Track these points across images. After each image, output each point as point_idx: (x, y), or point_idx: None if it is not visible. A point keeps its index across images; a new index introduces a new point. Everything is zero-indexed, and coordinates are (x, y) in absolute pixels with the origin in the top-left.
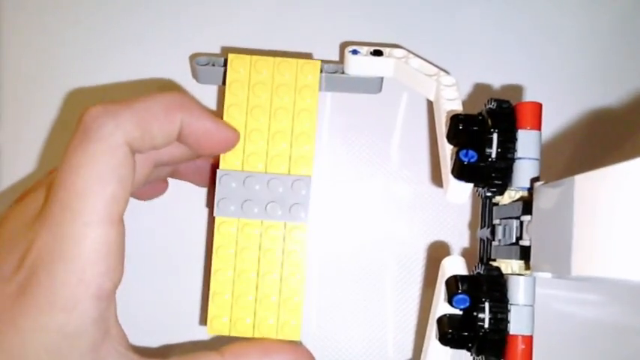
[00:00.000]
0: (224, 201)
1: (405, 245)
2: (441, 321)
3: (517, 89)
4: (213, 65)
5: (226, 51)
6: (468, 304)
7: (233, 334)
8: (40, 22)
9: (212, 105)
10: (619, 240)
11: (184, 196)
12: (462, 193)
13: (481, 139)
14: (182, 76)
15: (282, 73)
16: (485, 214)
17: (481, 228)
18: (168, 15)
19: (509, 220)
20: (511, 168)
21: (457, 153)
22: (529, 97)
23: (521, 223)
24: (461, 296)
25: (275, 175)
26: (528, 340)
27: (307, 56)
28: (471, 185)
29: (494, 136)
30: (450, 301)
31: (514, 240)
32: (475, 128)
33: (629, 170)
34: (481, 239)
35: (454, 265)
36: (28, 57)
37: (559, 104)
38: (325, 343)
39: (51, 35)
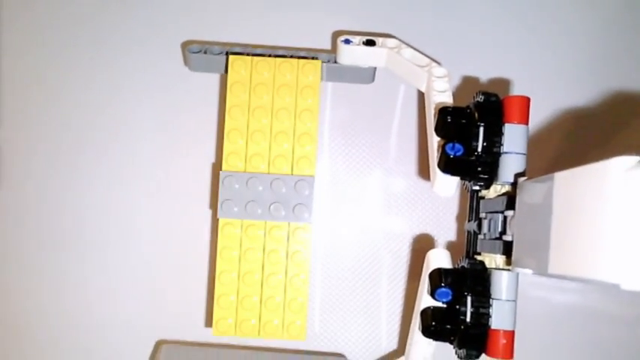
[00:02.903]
0: (227, 202)
1: (398, 240)
2: (424, 313)
3: (505, 83)
4: (206, 53)
5: (218, 44)
6: (450, 297)
7: (238, 335)
8: (40, 22)
9: (213, 99)
10: (588, 240)
11: (188, 197)
12: (448, 186)
13: (469, 132)
14: (179, 68)
15: (284, 74)
16: (472, 207)
17: (468, 221)
18: (162, 13)
19: (495, 215)
20: (497, 162)
21: (443, 146)
22: (517, 91)
23: (505, 217)
24: (443, 289)
25: (278, 176)
26: (510, 335)
27: (305, 50)
28: (457, 179)
29: (481, 130)
30: (432, 294)
31: (498, 234)
32: (463, 121)
33: (597, 171)
34: (468, 232)
35: (438, 258)
36: (28, 57)
37: (546, 99)
38: (327, 343)
39: (51, 35)
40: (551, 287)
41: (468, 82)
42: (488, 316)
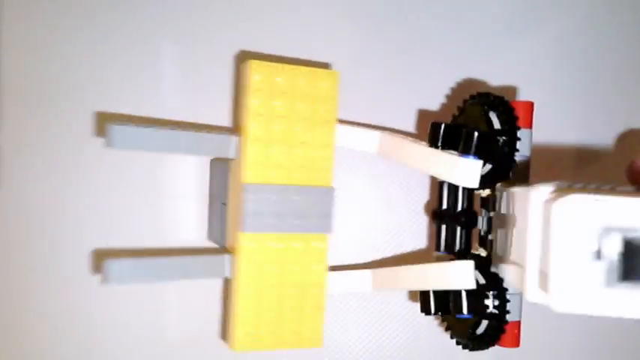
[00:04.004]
0: (251, 216)
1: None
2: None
3: (510, 89)
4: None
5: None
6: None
7: (258, 349)
8: (40, 22)
9: (225, 110)
10: (522, 260)
11: (189, 198)
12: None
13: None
14: (193, 77)
15: (302, 83)
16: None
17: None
18: (162, 12)
19: (484, 213)
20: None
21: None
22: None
23: (490, 218)
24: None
25: (301, 187)
26: (518, 325)
27: (321, 65)
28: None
29: (502, 139)
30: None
31: (484, 233)
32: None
33: (525, 196)
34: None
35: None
36: (28, 57)
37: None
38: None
39: (51, 35)
40: None
41: (465, 85)
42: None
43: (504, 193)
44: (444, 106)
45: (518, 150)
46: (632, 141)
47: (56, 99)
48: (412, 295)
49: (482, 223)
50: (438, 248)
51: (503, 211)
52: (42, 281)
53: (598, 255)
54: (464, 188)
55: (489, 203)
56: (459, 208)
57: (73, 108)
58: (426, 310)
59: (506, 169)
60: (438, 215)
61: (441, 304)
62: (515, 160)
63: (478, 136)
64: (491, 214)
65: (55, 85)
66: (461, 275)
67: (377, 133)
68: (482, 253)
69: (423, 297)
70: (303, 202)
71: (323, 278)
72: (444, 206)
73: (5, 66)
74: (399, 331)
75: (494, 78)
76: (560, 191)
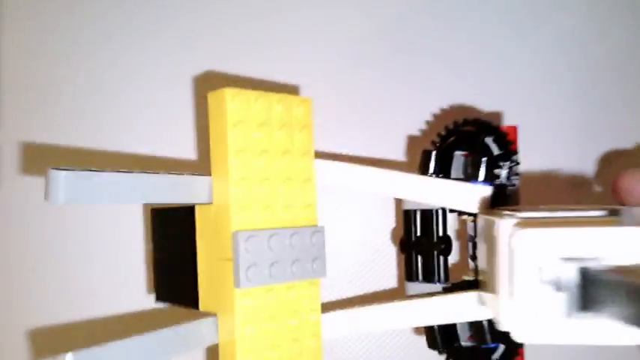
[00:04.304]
0: (247, 268)
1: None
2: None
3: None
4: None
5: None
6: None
7: None
8: (40, 22)
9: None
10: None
11: None
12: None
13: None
14: (167, 94)
15: (278, 110)
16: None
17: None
18: (162, 11)
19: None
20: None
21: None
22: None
23: (474, 243)
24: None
25: (295, 230)
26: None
27: (290, 89)
28: None
29: (505, 166)
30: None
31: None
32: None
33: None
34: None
35: None
36: (28, 57)
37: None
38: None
39: (51, 35)
40: None
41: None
42: None
43: (481, 220)
44: (423, 132)
45: (518, 175)
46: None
47: (57, 99)
48: None
49: (470, 249)
50: (410, 278)
51: (482, 237)
52: (43, 281)
53: (558, 286)
54: (443, 215)
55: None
56: (437, 235)
57: (73, 108)
58: (433, 345)
59: (505, 194)
60: (409, 244)
61: (447, 337)
62: (515, 185)
63: (486, 162)
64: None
65: (56, 85)
66: (478, 305)
67: (362, 169)
68: (470, 277)
69: (428, 332)
70: (296, 246)
71: (319, 329)
72: (418, 234)
73: (5, 66)
74: (399, 331)
75: (478, 103)
76: (524, 222)
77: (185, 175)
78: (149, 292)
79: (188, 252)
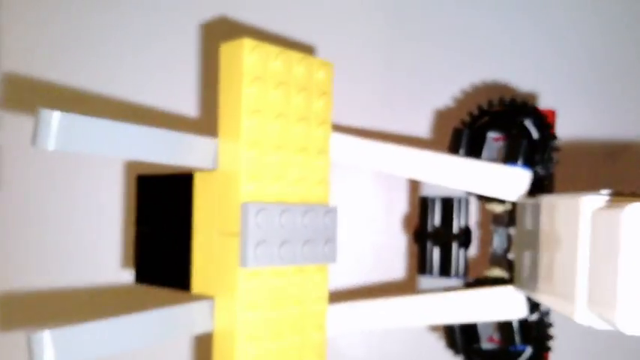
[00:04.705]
0: (255, 245)
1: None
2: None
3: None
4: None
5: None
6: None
7: None
8: (40, 22)
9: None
10: (565, 275)
11: None
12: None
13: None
14: (184, 45)
15: (299, 72)
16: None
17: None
18: (161, 11)
19: (500, 229)
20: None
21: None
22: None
23: (509, 235)
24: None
25: (309, 206)
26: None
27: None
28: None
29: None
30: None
31: (503, 251)
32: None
33: (571, 204)
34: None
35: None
36: (28, 56)
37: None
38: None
39: (51, 35)
40: None
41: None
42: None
43: (529, 207)
44: (450, 109)
45: (556, 160)
46: None
47: (57, 99)
48: None
49: (497, 241)
50: (424, 271)
51: (528, 226)
52: (43, 281)
53: None
54: (466, 204)
55: (505, 219)
56: (458, 226)
57: (73, 108)
58: (452, 345)
59: (542, 181)
60: (425, 234)
61: (467, 337)
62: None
63: (526, 145)
64: (510, 230)
65: (56, 85)
66: (511, 303)
67: (381, 146)
68: (498, 273)
69: (448, 332)
70: (309, 226)
71: (324, 320)
72: (436, 224)
73: (5, 66)
74: (399, 331)
75: (512, 81)
76: (617, 199)
77: (188, 135)
78: (123, 266)
79: (181, 225)
